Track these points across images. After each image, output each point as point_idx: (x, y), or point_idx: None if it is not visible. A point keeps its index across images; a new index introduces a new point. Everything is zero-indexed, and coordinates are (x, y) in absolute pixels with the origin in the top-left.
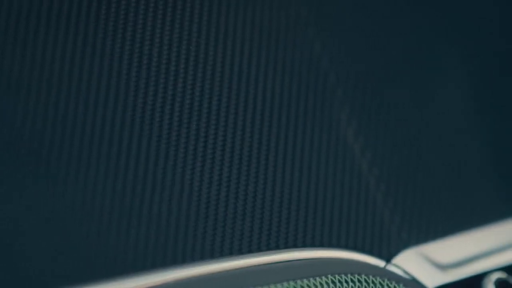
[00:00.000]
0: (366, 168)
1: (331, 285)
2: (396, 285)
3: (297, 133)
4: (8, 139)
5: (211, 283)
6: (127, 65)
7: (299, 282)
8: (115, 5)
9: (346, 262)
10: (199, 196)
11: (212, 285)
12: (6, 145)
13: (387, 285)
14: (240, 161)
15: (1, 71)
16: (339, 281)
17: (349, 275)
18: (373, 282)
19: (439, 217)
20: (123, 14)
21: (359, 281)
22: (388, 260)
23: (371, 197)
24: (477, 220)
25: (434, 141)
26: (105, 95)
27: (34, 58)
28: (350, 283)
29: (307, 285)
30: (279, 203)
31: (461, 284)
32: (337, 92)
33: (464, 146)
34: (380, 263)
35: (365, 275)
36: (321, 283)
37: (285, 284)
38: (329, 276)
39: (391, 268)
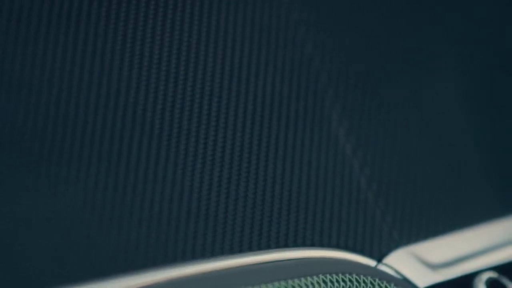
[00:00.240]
0: (357, 167)
1: (322, 284)
2: (387, 284)
3: (288, 133)
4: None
5: (202, 282)
6: (128, 65)
7: (290, 281)
8: (116, 6)
9: (338, 261)
10: (190, 196)
11: (203, 285)
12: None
13: (378, 284)
14: (231, 161)
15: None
16: (331, 281)
17: (340, 275)
18: (364, 281)
19: (430, 217)
20: (123, 15)
21: (350, 280)
22: (379, 259)
23: (362, 197)
24: (468, 220)
25: (425, 140)
26: (105, 94)
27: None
28: (342, 283)
29: (299, 285)
30: (271, 203)
31: (452, 283)
32: (329, 92)
33: (455, 146)
34: (372, 262)
35: (357, 274)
36: (312, 283)
37: (277, 283)
38: (321, 276)
39: (382, 267)
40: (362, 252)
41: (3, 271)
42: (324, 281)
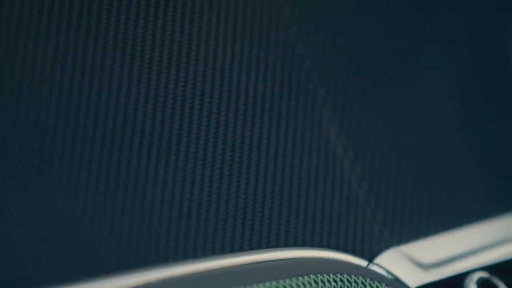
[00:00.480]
0: (348, 167)
1: (313, 284)
2: (378, 284)
3: (279, 133)
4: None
5: (193, 282)
6: (119, 65)
7: (281, 282)
8: (107, 6)
9: (329, 261)
10: (181, 196)
11: (195, 285)
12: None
13: (370, 284)
14: (222, 161)
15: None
16: (322, 281)
17: (331, 275)
18: (355, 281)
19: (421, 217)
20: (115, 15)
21: (341, 280)
22: (370, 259)
23: (353, 197)
24: (459, 220)
25: (416, 140)
26: (97, 95)
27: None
28: (333, 283)
29: (290, 285)
30: (262, 202)
31: (443, 283)
32: (320, 91)
33: (446, 146)
34: (363, 262)
35: (348, 274)
36: (303, 283)
37: (268, 284)
38: (312, 276)
39: (373, 267)
40: (353, 252)
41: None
42: (315, 281)
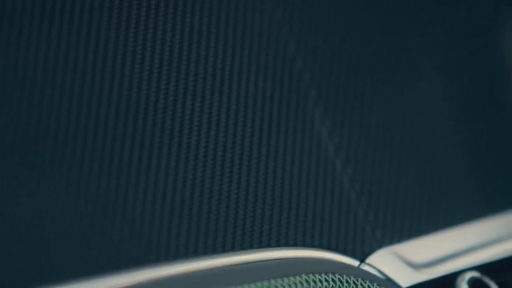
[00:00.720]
0: (340, 167)
1: (305, 284)
2: (370, 284)
3: (271, 133)
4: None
5: (185, 282)
6: (110, 65)
7: (273, 281)
8: (98, 5)
9: (320, 261)
10: (173, 196)
11: (186, 285)
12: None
13: (361, 284)
14: (214, 161)
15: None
16: (313, 281)
17: (323, 275)
18: (347, 281)
19: (413, 217)
20: (106, 15)
21: (333, 280)
22: (362, 259)
23: (345, 197)
24: (450, 220)
25: (408, 140)
26: (88, 95)
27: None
28: (324, 283)
29: (281, 285)
30: (253, 202)
31: (435, 283)
32: (311, 91)
33: (438, 146)
34: (354, 262)
35: (339, 274)
36: (295, 283)
37: (259, 283)
38: (303, 276)
39: (365, 267)
40: (345, 252)
41: None
42: (307, 281)
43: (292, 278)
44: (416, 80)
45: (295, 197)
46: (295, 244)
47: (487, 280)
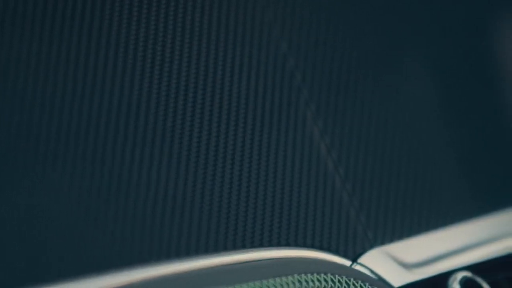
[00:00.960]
0: (332, 167)
1: (297, 284)
2: (362, 284)
3: (263, 133)
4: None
5: (177, 282)
6: (102, 64)
7: (265, 281)
8: (90, 5)
9: (313, 261)
10: (164, 196)
11: (178, 285)
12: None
13: (353, 284)
14: (206, 160)
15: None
16: (306, 281)
17: (315, 275)
18: (339, 281)
19: (404, 217)
20: (98, 14)
21: (325, 280)
22: (354, 259)
23: (337, 197)
24: (442, 220)
25: (400, 140)
26: (80, 94)
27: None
28: (317, 283)
29: (273, 285)
30: (246, 202)
31: (427, 283)
32: (303, 91)
33: (429, 146)
34: (347, 262)
35: (332, 274)
36: (287, 283)
37: (252, 283)
38: (296, 276)
39: (357, 267)
40: (337, 252)
41: None
42: (299, 281)
43: (284, 278)
44: (408, 80)
45: (287, 197)
46: (287, 244)
47: (479, 279)
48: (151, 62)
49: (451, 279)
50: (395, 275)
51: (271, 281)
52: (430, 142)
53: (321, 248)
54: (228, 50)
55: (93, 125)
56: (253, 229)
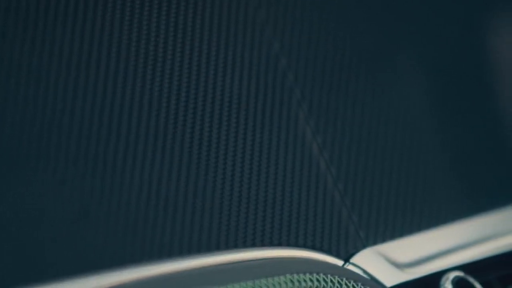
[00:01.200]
0: (324, 167)
1: (289, 284)
2: (354, 284)
3: (255, 133)
4: None
5: (169, 282)
6: (94, 64)
7: (257, 281)
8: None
9: (305, 261)
10: (157, 195)
11: (170, 285)
12: None
13: (346, 284)
14: (199, 160)
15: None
16: (298, 281)
17: (308, 275)
18: (331, 281)
19: (396, 217)
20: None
21: (317, 280)
22: (346, 259)
23: (329, 197)
24: (434, 220)
25: (392, 140)
26: (72, 94)
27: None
28: (309, 283)
29: (265, 285)
30: (238, 202)
31: (420, 282)
32: (295, 91)
33: (421, 146)
34: (339, 262)
35: (324, 274)
36: (279, 283)
37: (244, 283)
38: (288, 276)
39: (349, 267)
40: (329, 252)
41: None
42: (291, 281)
43: (276, 278)
44: (401, 79)
45: (280, 197)
46: (279, 244)
47: (471, 279)
48: (143, 61)
49: (443, 279)
50: (388, 275)
51: (263, 281)
52: (422, 142)
53: (313, 248)
54: (220, 50)
55: (86, 125)
56: (245, 229)
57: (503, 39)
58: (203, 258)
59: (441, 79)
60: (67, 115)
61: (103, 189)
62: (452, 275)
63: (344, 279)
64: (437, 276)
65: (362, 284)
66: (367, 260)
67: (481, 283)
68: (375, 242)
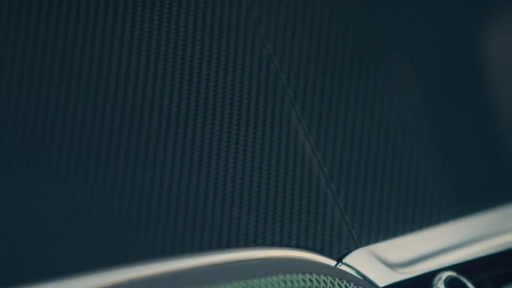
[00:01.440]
0: (317, 167)
1: (282, 284)
2: (347, 284)
3: (248, 133)
4: None
5: (161, 282)
6: (87, 64)
7: (249, 282)
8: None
9: (298, 261)
10: (149, 195)
11: (162, 285)
12: None
13: (338, 284)
14: (191, 160)
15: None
16: (290, 281)
17: (300, 275)
18: (324, 281)
19: (389, 217)
20: (83, 14)
21: (310, 280)
22: (339, 259)
23: (322, 197)
24: (427, 220)
25: (385, 141)
26: (65, 95)
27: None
28: (301, 283)
29: (258, 285)
30: (230, 202)
31: (412, 282)
32: (288, 92)
33: (414, 146)
34: (331, 262)
35: (317, 274)
36: (272, 283)
37: (236, 283)
38: (280, 276)
39: (342, 267)
40: (322, 252)
41: None
42: (284, 281)
43: (269, 278)
44: (394, 80)
45: (272, 197)
46: (272, 244)
47: (463, 279)
48: (136, 62)
49: (436, 279)
50: (380, 275)
51: (255, 281)
52: (415, 142)
53: (306, 248)
54: (213, 50)
55: (78, 127)
56: (237, 229)
57: (499, 38)
58: (195, 258)
59: (434, 81)
60: (60, 115)
61: (94, 190)
62: (445, 275)
63: (337, 279)
64: (429, 276)
65: (355, 284)
66: (360, 260)
67: (473, 283)
68: (368, 242)
